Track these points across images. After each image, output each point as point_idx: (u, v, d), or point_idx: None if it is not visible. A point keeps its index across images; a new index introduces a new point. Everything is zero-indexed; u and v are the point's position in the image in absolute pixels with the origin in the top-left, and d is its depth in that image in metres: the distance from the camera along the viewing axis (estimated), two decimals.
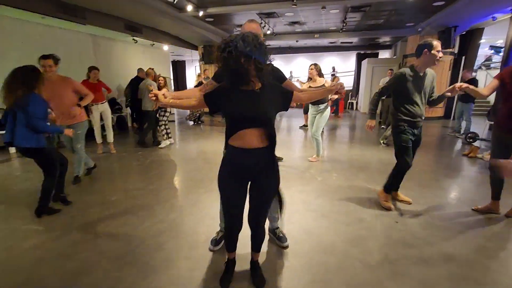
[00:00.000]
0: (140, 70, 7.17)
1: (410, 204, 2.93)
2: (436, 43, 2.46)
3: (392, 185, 2.91)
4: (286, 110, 1.64)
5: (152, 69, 6.01)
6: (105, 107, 5.14)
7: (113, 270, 1.98)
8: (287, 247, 2.21)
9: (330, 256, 2.11)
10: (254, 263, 1.89)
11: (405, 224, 2.58)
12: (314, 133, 4.37)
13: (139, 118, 7.14)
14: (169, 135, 5.83)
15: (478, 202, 2.91)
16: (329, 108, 4.35)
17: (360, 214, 2.76)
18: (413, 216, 2.73)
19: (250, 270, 1.90)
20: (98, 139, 5.24)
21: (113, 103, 8.02)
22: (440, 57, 2.48)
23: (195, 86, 8.72)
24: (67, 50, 6.82)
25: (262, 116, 1.51)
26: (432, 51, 2.45)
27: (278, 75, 2.00)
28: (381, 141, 5.67)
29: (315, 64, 4.19)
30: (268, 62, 1.48)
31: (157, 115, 5.65)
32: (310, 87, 3.99)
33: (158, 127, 5.81)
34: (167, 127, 5.77)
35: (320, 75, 4.18)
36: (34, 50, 5.99)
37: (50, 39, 6.43)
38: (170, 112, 5.83)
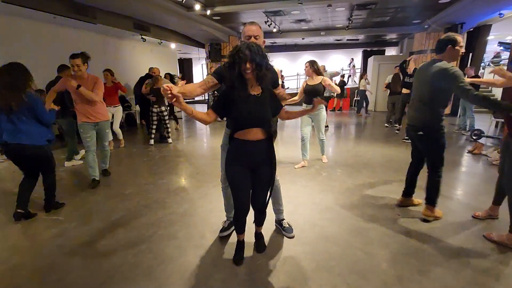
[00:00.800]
0: (151, 69, 7.37)
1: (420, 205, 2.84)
2: (460, 38, 2.39)
3: (438, 196, 2.57)
4: (274, 117, 1.93)
5: (170, 74, 6.19)
6: (115, 110, 5.40)
7: (130, 256, 2.12)
8: (293, 237, 2.33)
9: (333, 245, 2.22)
10: (257, 234, 2.21)
11: (407, 217, 2.67)
12: (320, 136, 4.25)
13: (145, 116, 7.27)
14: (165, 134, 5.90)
15: (480, 198, 2.98)
16: (324, 109, 4.17)
17: (363, 208, 2.86)
18: (415, 210, 2.81)
19: (254, 239, 2.21)
20: (109, 137, 5.48)
21: (122, 100, 8.21)
22: (462, 52, 2.44)
23: None
24: (77, 49, 7.01)
25: (264, 119, 1.80)
26: (456, 47, 2.36)
27: (274, 77, 2.04)
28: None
29: (311, 62, 3.97)
30: (267, 70, 1.70)
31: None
32: (307, 84, 3.96)
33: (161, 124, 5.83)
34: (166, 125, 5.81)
35: (318, 72, 3.93)
36: (45, 49, 6.21)
37: (61, 38, 6.63)
38: (158, 108, 5.59)
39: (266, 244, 2.23)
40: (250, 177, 1.86)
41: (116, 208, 2.93)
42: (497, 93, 8.77)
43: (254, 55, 1.60)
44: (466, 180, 3.75)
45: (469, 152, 4.89)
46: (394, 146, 5.40)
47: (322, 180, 3.64)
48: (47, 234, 2.46)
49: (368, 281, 1.84)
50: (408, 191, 2.85)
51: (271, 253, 2.14)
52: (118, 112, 5.48)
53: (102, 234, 2.44)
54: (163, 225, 2.57)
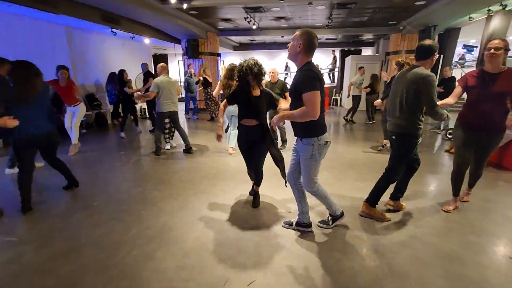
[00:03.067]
0: (145, 65, 6.94)
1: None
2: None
3: (379, 197, 2.65)
4: (274, 109, 2.77)
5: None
6: (76, 109, 4.82)
7: (99, 284, 1.82)
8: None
9: (328, 258, 2.07)
10: (256, 192, 2.96)
11: (398, 222, 2.60)
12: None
13: (118, 115, 6.65)
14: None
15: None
16: None
17: (354, 213, 2.75)
18: (405, 214, 2.76)
19: (253, 197, 2.96)
20: (74, 140, 4.93)
21: (91, 99, 7.61)
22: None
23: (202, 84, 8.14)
24: (38, 42, 6.34)
25: (258, 113, 2.65)
26: (436, 55, 2.35)
27: (285, 87, 3.25)
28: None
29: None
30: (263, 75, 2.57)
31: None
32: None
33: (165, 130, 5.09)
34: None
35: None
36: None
37: (18, 29, 5.92)
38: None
39: (255, 258, 2.04)
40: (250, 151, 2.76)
41: (82, 224, 2.57)
42: None
43: (256, 70, 2.49)
44: (447, 179, 3.78)
45: (446, 151, 5.02)
46: (376, 145, 5.42)
47: None
48: None
49: None
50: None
51: (264, 270, 1.94)
52: (80, 111, 4.87)
53: (66, 257, 2.10)
54: (139, 243, 2.27)
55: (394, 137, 2.53)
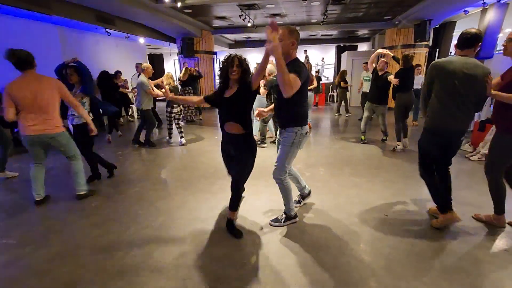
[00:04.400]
0: (140, 65, 6.91)
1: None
2: None
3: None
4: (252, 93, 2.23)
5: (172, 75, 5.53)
6: None
7: (97, 285, 1.83)
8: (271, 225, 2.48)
9: (325, 255, 2.08)
10: (229, 220, 2.39)
11: (395, 217, 2.62)
12: None
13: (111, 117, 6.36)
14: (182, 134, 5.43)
15: (459, 192, 3.01)
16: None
17: (350, 210, 2.77)
18: (401, 208, 2.78)
19: (230, 229, 2.36)
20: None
21: None
22: None
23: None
24: (30, 42, 6.28)
25: (235, 114, 2.18)
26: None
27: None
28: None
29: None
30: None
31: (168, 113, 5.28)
32: None
33: (173, 125, 5.39)
34: (178, 126, 5.39)
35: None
36: None
37: (11, 31, 5.87)
38: (177, 107, 5.29)
39: (253, 256, 2.05)
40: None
41: (79, 225, 2.57)
42: None
43: (241, 62, 2.08)
44: None
45: None
46: (371, 142, 5.44)
47: (306, 181, 3.48)
48: None
49: None
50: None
51: (262, 267, 1.96)
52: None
53: (63, 258, 2.10)
54: (137, 242, 2.28)
55: (463, 137, 2.33)
